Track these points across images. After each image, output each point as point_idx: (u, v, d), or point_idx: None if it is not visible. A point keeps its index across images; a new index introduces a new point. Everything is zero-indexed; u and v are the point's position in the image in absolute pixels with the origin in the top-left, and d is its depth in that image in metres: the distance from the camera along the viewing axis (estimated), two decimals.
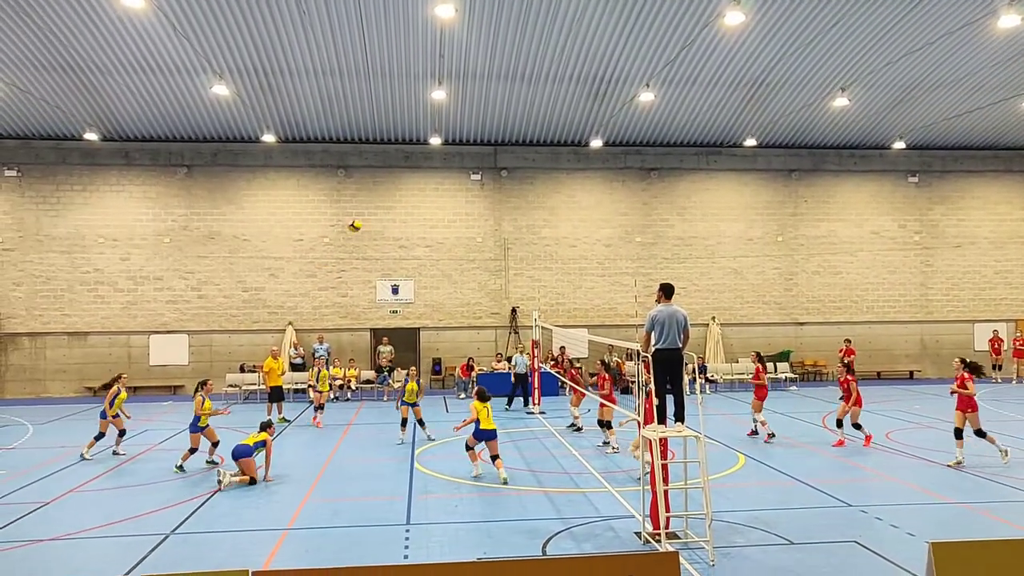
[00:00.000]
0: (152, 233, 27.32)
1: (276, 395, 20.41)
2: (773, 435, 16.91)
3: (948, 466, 14.02)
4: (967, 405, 14.26)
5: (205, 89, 23.57)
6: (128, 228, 27.23)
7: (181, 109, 25.06)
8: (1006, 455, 14.20)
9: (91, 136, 26.14)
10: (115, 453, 16.03)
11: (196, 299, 27.40)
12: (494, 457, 13.46)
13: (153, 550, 9.75)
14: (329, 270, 27.90)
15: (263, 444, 13.73)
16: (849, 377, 16.39)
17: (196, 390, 15.01)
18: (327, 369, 22.15)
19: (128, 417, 16.71)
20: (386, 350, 26.58)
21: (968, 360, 15.01)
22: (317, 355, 26.53)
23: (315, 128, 26.82)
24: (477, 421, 13.54)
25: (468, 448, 13.83)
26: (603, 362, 19.57)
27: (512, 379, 23.43)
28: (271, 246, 27.70)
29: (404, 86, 23.93)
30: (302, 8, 19.62)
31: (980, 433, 14.21)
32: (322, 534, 10.40)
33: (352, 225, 22.77)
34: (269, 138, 26.68)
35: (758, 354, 18.24)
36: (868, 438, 16.20)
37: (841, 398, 16.65)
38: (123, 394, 16.27)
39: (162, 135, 26.93)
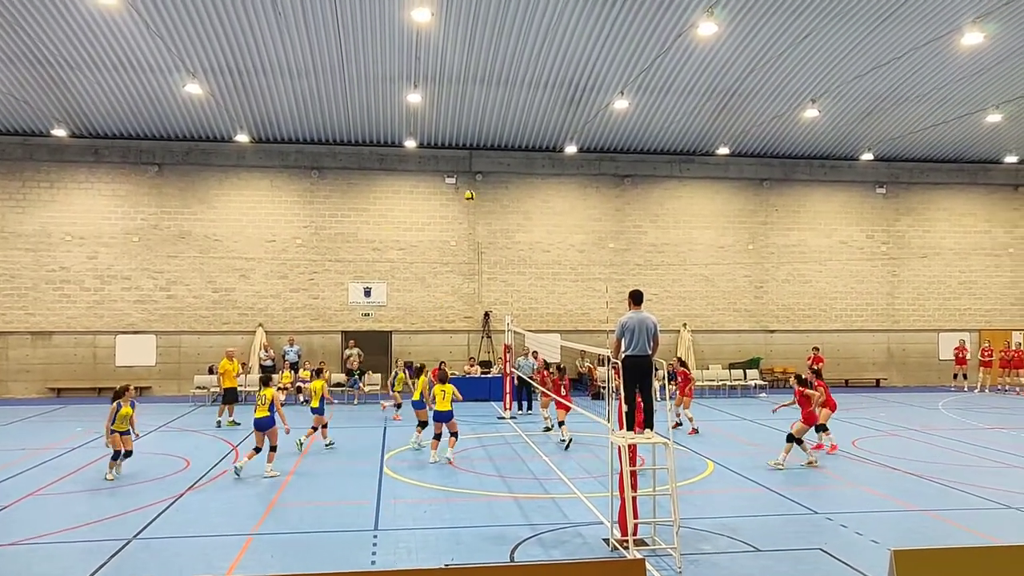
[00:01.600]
0: (121, 232, 26.91)
1: (230, 397, 20.21)
2: (696, 430, 18.46)
3: (808, 464, 14.79)
4: (810, 414, 15.22)
5: (178, 87, 23.28)
6: (96, 226, 26.81)
7: (153, 107, 24.72)
8: (812, 462, 14.88)
9: (59, 132, 25.71)
10: (106, 477, 13.63)
11: (165, 299, 27.03)
12: (437, 436, 15.09)
13: (114, 556, 9.55)
14: (301, 272, 27.67)
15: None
16: (819, 383, 16.17)
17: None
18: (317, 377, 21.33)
19: (137, 435, 14.93)
20: (353, 353, 26.34)
21: (802, 376, 16.15)
22: (287, 357, 26.34)
23: (289, 129, 26.60)
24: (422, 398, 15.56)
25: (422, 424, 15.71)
26: (546, 363, 20.18)
27: (515, 382, 22.94)
28: (243, 247, 27.41)
29: (380, 88, 23.82)
30: (277, 8, 19.45)
31: (792, 438, 14.99)
32: (288, 539, 10.26)
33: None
34: (242, 138, 26.43)
35: (680, 359, 21.13)
36: (832, 447, 16.29)
37: (791, 403, 16.24)
38: (125, 409, 13.90)
39: (133, 132, 26.55)
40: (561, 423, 17.19)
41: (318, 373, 17.52)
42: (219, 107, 24.71)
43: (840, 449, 16.51)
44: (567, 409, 16.87)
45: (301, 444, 16.50)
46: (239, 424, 19.91)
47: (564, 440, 16.87)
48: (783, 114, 25.91)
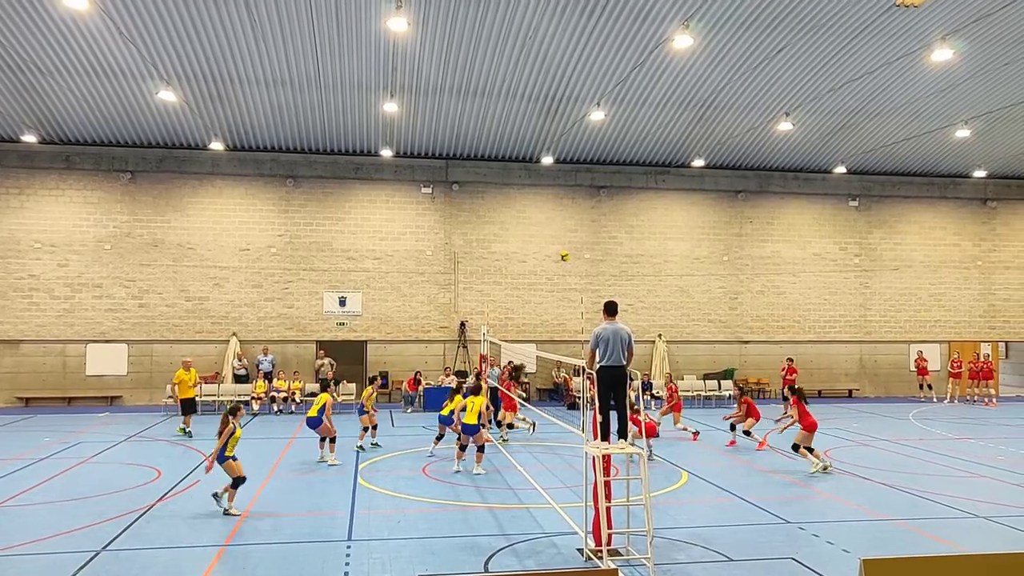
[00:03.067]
0: (92, 239, 26.60)
1: (187, 407, 20.03)
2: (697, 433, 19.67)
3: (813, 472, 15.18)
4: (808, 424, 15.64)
5: (151, 94, 23.11)
6: (67, 233, 26.49)
7: (126, 113, 24.52)
8: (819, 467, 15.30)
9: (29, 138, 25.41)
10: (218, 501, 12.02)
11: (137, 308, 26.74)
12: (463, 447, 15.27)
13: (81, 568, 9.42)
14: (275, 280, 27.51)
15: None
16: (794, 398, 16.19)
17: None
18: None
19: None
20: (324, 363, 26.11)
21: (795, 386, 16.95)
22: (261, 367, 26.15)
23: (264, 137, 26.48)
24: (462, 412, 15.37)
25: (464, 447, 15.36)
26: (509, 372, 20.64)
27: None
28: (216, 255, 27.21)
29: (356, 98, 23.81)
30: (253, 16, 19.41)
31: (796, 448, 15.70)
32: (261, 550, 10.18)
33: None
34: (217, 146, 26.26)
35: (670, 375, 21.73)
36: (760, 444, 17.82)
37: (782, 418, 17.48)
38: (239, 431, 12.35)
39: (105, 139, 26.30)
40: (510, 425, 18.77)
41: (325, 387, 17.23)
42: (193, 114, 24.57)
43: (809, 459, 16.66)
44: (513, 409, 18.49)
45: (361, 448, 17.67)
46: (191, 435, 19.69)
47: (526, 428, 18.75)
48: (758, 127, 26.23)
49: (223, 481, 12.22)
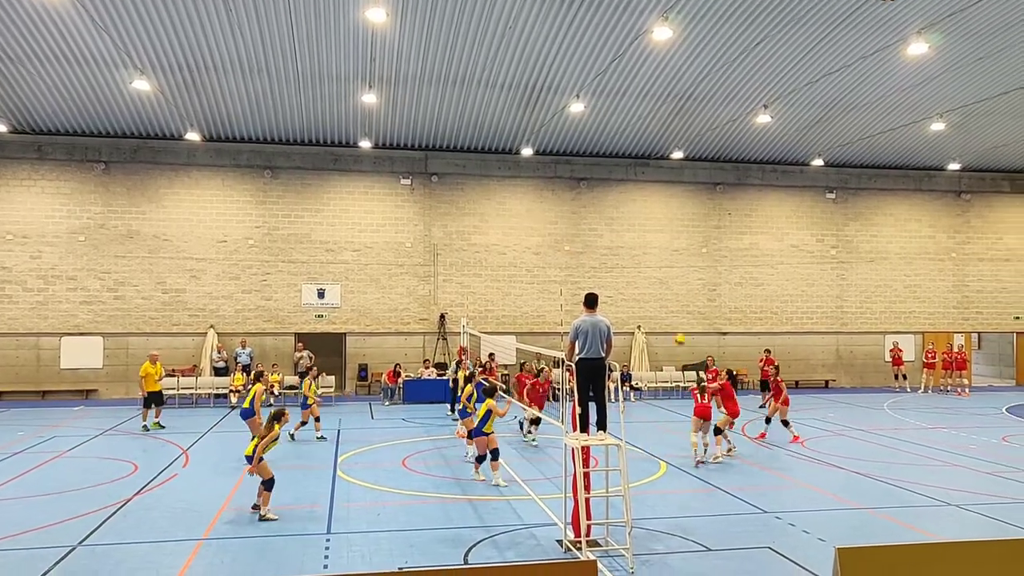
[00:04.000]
0: (66, 231, 26.26)
1: (154, 400, 19.94)
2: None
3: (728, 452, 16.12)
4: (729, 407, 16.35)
5: (125, 83, 22.80)
6: (39, 225, 26.12)
7: (99, 103, 24.19)
8: (723, 454, 15.94)
9: (0, 128, 24.99)
10: (261, 512, 11.52)
11: (112, 300, 26.45)
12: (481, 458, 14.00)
13: (57, 563, 9.34)
14: (253, 272, 27.31)
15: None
16: (779, 379, 18.31)
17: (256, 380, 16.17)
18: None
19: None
20: (303, 355, 25.98)
21: (733, 371, 17.88)
22: (239, 360, 25.98)
23: (241, 128, 26.23)
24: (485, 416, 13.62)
25: (481, 458, 13.91)
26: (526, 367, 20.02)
27: (451, 384, 23.15)
28: (193, 247, 26.95)
29: (334, 88, 23.64)
30: (229, 4, 19.19)
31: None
32: (239, 544, 10.15)
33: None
34: (193, 136, 25.98)
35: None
36: (795, 438, 17.34)
37: (770, 396, 18.53)
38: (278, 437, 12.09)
39: (78, 129, 25.94)
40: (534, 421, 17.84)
41: (258, 378, 16.65)
42: (168, 104, 24.28)
43: (791, 449, 16.88)
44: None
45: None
46: (164, 427, 19.58)
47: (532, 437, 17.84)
48: (736, 119, 26.36)
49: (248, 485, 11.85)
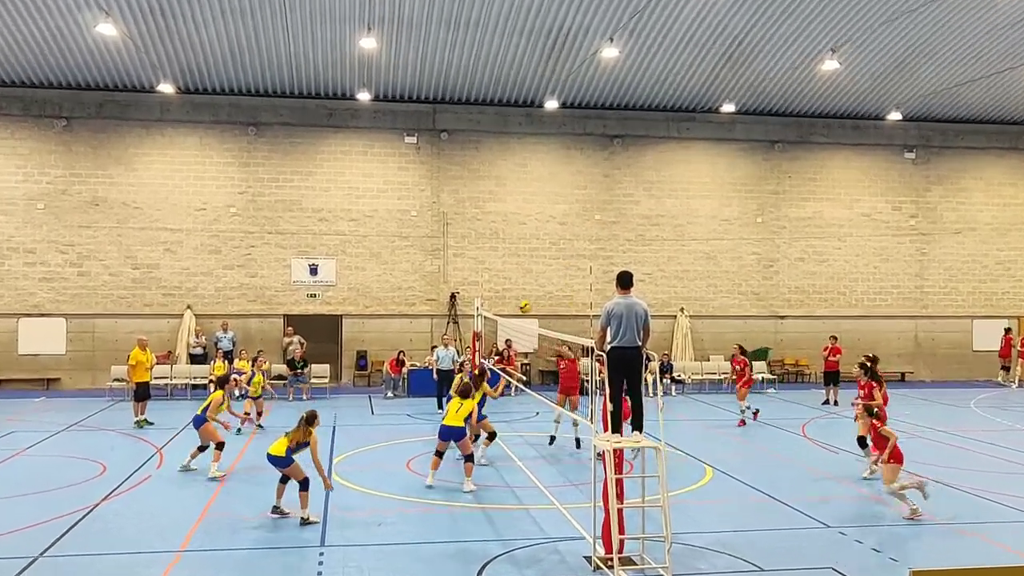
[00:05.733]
0: (22, 197, 26.54)
1: (143, 393, 20.11)
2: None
3: (863, 477, 14.67)
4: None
5: (88, 27, 22.89)
6: None
7: (58, 50, 24.32)
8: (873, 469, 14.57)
9: None
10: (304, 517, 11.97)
11: (76, 277, 26.75)
12: (439, 453, 14.15)
13: None
14: (236, 245, 27.49)
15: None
16: (872, 382, 15.68)
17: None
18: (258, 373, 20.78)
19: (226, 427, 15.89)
20: (293, 341, 26.11)
21: (870, 361, 15.92)
22: (220, 345, 26.20)
23: (221, 78, 26.29)
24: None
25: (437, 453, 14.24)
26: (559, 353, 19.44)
27: (435, 376, 23.45)
28: (167, 216, 27.16)
29: (328, 32, 23.60)
30: None
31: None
32: (221, 557, 10.29)
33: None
34: (166, 88, 26.07)
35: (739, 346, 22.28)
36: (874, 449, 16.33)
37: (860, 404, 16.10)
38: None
39: (35, 80, 26.12)
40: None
41: (222, 384, 16.83)
42: (138, 51, 24.35)
43: (856, 455, 16.78)
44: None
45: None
46: (152, 423, 19.81)
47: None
48: (798, 66, 26.04)
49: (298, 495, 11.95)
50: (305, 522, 11.62)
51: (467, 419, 14.44)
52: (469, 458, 14.11)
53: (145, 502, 12.84)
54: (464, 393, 14.63)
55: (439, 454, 14.11)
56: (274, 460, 12.02)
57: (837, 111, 29.99)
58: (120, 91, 26.81)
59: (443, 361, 23.29)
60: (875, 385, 15.37)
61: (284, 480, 12.04)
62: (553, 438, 17.50)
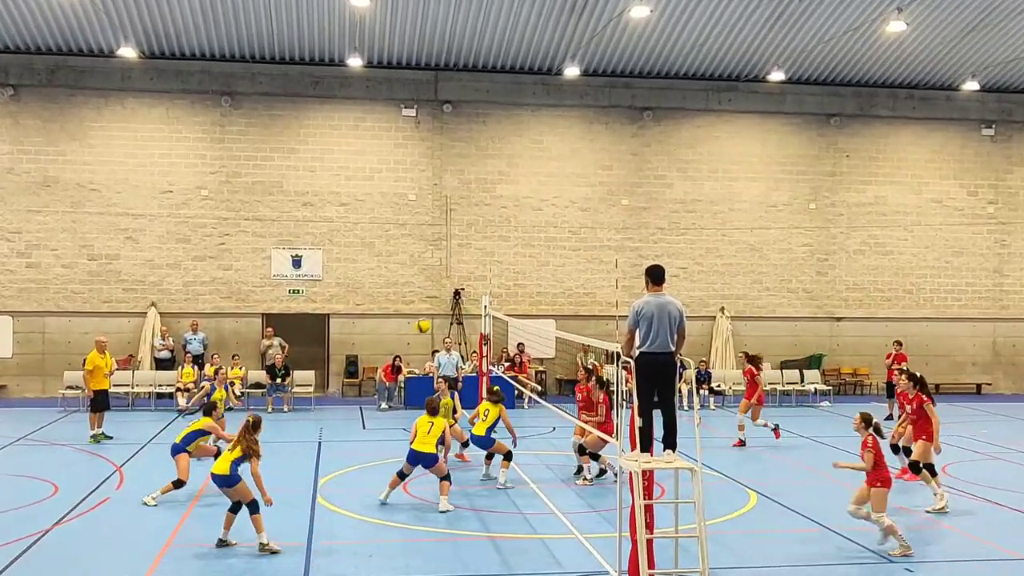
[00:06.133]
0: None
1: (101, 403, 20.07)
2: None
3: (927, 512, 14.19)
4: (925, 431, 14.89)
5: None
6: None
7: (4, 8, 24.42)
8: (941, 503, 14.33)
9: None
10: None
11: (24, 269, 26.88)
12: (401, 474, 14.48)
13: None
14: (208, 233, 27.57)
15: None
16: (920, 395, 15.71)
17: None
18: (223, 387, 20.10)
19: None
20: (274, 344, 26.16)
21: (917, 375, 15.85)
22: (189, 348, 26.26)
23: (191, 41, 26.34)
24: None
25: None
26: (588, 369, 18.99)
27: (436, 385, 23.37)
28: (128, 199, 27.25)
29: None
30: None
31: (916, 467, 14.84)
32: None
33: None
34: (128, 52, 26.11)
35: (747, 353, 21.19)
36: (904, 469, 16.52)
37: (898, 417, 16.65)
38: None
39: None
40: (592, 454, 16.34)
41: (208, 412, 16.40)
42: (96, 9, 24.44)
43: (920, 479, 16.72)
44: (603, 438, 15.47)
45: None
46: (111, 437, 19.85)
47: (582, 471, 16.36)
48: (859, 27, 25.92)
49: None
50: (265, 549, 11.55)
51: (440, 441, 14.69)
52: (446, 477, 14.26)
53: (103, 527, 12.87)
54: (432, 410, 14.80)
55: (402, 475, 14.46)
56: (220, 480, 12.02)
57: (903, 80, 29.83)
58: (75, 55, 26.89)
59: (445, 368, 23.29)
60: (924, 399, 15.22)
61: (236, 508, 11.94)
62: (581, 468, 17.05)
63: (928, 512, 14.22)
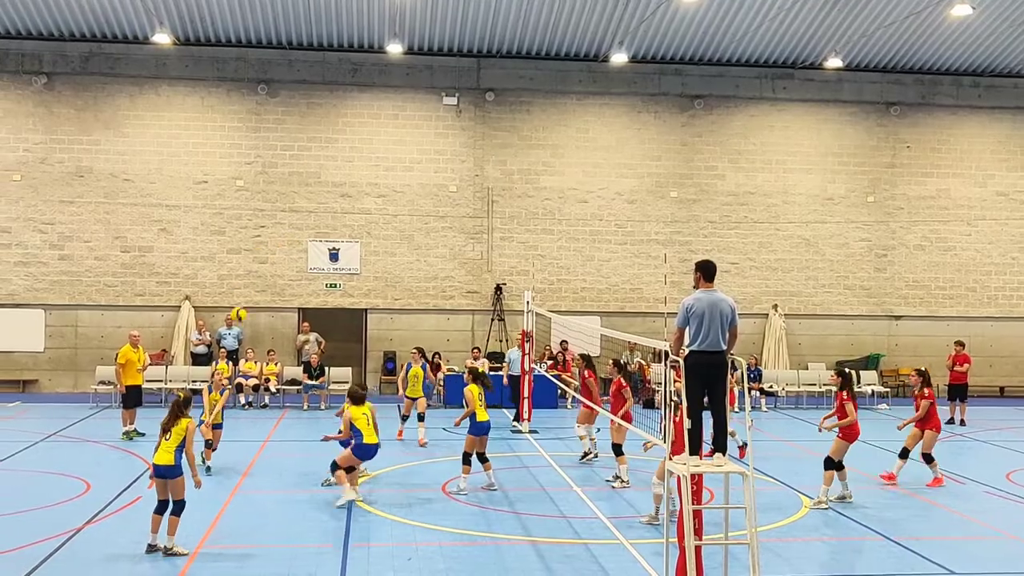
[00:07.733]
0: None
1: (134, 398, 20.23)
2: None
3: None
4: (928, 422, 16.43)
5: None
6: None
7: None
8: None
9: None
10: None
11: (57, 261, 27.22)
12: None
13: None
14: (243, 225, 27.77)
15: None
16: (927, 391, 16.77)
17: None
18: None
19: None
20: (310, 339, 26.29)
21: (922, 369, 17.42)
22: (223, 343, 26.47)
23: (227, 27, 26.54)
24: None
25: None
26: (616, 362, 18.97)
27: (505, 382, 24.02)
28: (163, 190, 27.52)
29: None
30: None
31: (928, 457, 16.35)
32: None
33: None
34: (162, 38, 26.34)
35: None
36: (938, 480, 16.44)
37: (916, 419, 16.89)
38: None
39: (9, 30, 26.59)
40: (619, 449, 16.30)
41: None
42: None
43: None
44: (624, 426, 15.64)
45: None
46: (144, 435, 19.99)
47: (618, 477, 16.24)
48: (921, 11, 25.61)
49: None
50: (169, 552, 11.43)
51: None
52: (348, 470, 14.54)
53: (135, 527, 12.91)
54: (357, 399, 14.90)
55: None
56: (164, 471, 11.66)
57: (968, 67, 29.44)
58: (109, 42, 27.17)
59: (516, 366, 23.43)
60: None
61: (165, 507, 11.70)
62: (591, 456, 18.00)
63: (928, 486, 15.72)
